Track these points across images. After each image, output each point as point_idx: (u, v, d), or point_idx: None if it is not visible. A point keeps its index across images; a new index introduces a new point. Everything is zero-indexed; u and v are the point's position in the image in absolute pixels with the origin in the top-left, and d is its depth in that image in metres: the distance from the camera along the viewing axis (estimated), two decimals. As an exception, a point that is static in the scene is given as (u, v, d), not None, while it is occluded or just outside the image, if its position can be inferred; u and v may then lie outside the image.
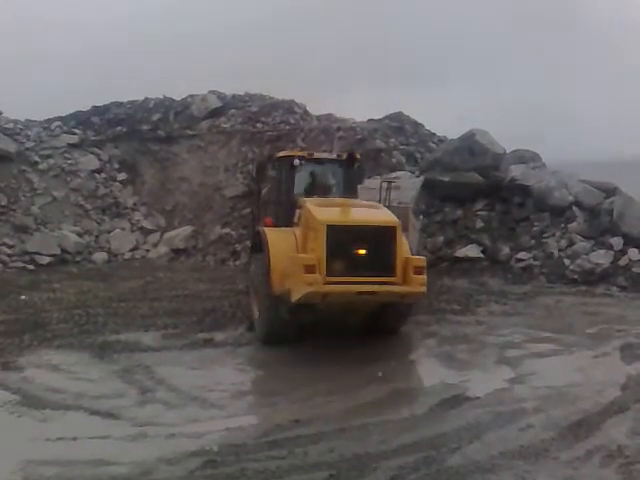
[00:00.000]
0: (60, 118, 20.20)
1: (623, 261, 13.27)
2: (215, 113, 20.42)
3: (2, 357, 7.86)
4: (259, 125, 19.68)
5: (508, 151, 16.29)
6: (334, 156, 9.91)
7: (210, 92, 21.06)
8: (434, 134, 19.86)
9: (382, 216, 8.28)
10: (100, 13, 76.28)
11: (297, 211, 8.81)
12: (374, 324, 8.97)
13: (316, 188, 9.45)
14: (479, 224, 15.23)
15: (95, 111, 20.73)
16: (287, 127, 19.41)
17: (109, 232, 17.62)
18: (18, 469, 4.91)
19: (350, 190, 9.60)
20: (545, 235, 14.38)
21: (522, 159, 15.92)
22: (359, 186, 10.22)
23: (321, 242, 7.60)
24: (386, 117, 19.76)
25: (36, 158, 17.98)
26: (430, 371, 7.91)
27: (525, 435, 5.58)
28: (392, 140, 18.30)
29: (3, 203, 16.43)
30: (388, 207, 8.93)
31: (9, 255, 15.36)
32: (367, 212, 8.45)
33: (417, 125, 19.84)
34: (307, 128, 19.16)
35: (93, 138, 19.43)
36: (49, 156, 18.26)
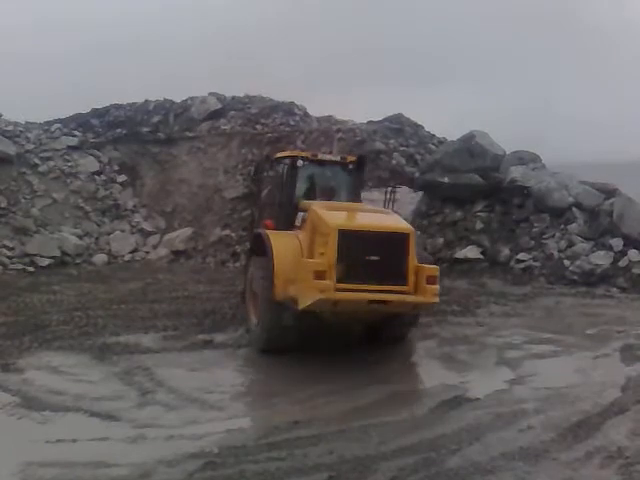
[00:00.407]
0: (60, 120, 20.20)
1: (623, 262, 13.30)
2: (215, 115, 20.42)
3: (2, 359, 7.82)
4: (259, 127, 19.69)
5: (508, 152, 16.32)
6: (338, 158, 9.49)
7: (210, 94, 21.06)
8: (434, 135, 19.89)
9: (395, 222, 7.95)
10: (100, 13, 76.36)
11: (300, 214, 8.48)
12: (378, 333, 8.63)
13: (319, 191, 9.08)
14: (479, 225, 15.26)
15: (95, 113, 20.73)
16: (287, 129, 19.43)
17: (109, 234, 17.58)
18: (18, 471, 4.90)
19: (354, 195, 9.27)
20: (545, 236, 14.40)
21: (522, 160, 15.95)
22: None
23: (332, 248, 7.21)
24: (386, 119, 19.77)
25: (36, 160, 17.94)
26: (430, 372, 7.90)
27: (525, 436, 5.57)
28: (392, 142, 18.33)
29: (3, 205, 16.39)
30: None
31: (9, 257, 15.31)
32: (379, 218, 8.10)
33: (417, 127, 19.87)
34: (307, 130, 19.19)
35: (93, 140, 19.40)
36: (49, 158, 18.22)
